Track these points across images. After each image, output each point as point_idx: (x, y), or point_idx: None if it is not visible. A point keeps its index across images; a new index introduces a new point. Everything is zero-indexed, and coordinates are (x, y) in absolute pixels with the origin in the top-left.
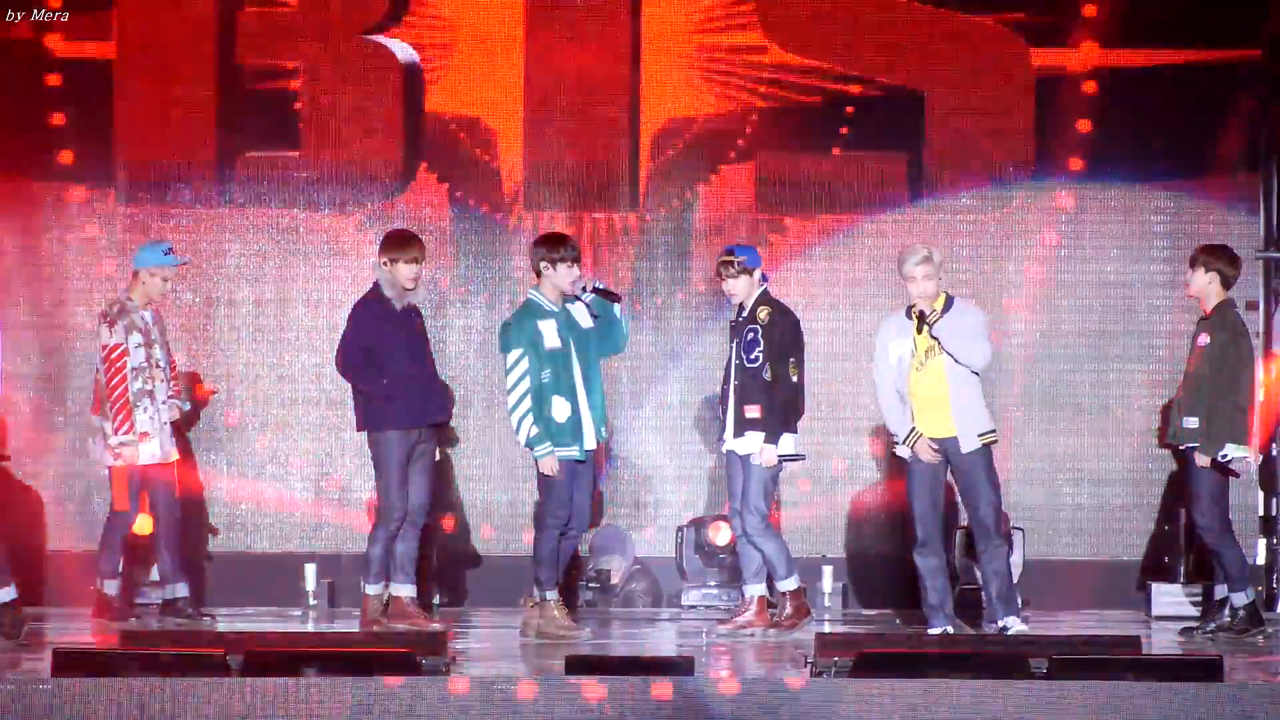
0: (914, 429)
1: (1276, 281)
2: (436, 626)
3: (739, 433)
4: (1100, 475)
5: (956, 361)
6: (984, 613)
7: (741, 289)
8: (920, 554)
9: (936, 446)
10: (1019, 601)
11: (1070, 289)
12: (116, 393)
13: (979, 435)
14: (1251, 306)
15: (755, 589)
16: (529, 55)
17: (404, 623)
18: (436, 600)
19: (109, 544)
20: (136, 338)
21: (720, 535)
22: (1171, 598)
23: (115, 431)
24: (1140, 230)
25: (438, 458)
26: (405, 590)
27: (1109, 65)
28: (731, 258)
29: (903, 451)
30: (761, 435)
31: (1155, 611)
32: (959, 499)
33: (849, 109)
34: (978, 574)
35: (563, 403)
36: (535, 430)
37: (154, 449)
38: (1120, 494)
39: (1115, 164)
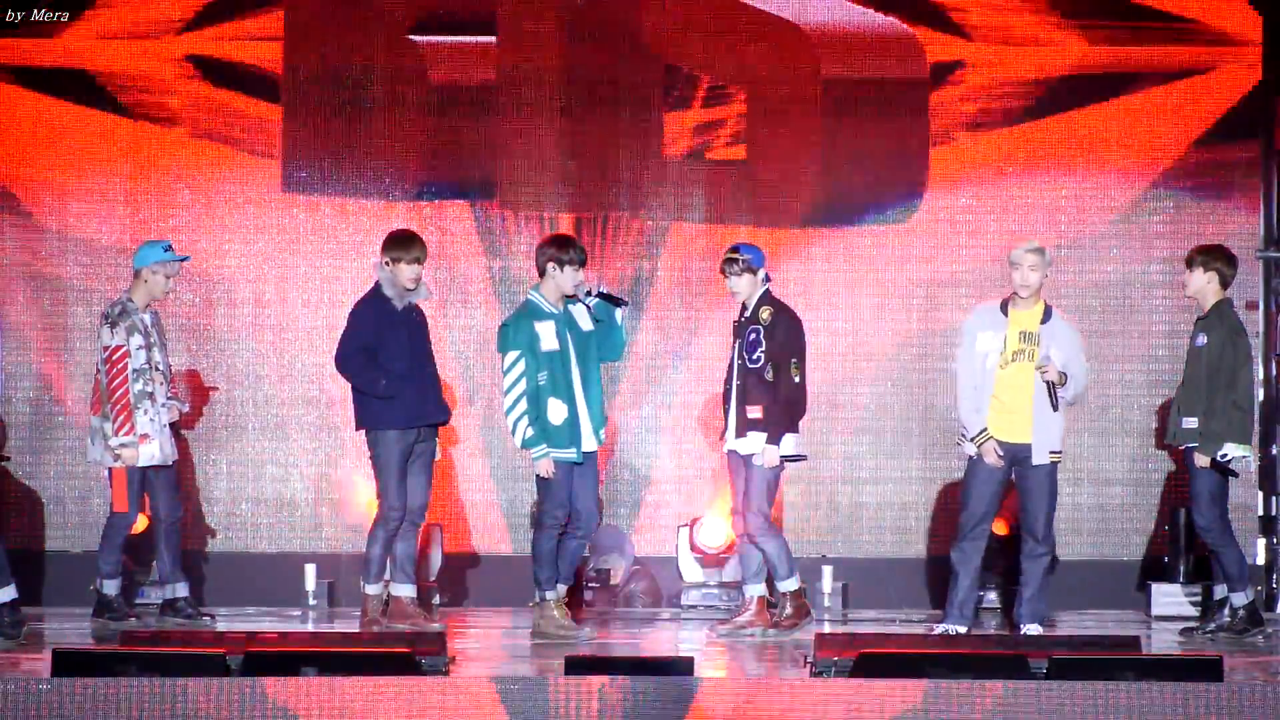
0: (985, 430)
1: (1276, 281)
2: (436, 626)
3: (741, 433)
4: (1100, 475)
5: (1067, 401)
6: (1014, 611)
7: (744, 287)
8: (958, 550)
9: (1002, 453)
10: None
11: (1070, 289)
12: (117, 394)
13: (1050, 453)
14: (1251, 306)
15: (755, 589)
16: (528, 57)
17: (404, 623)
18: (436, 600)
19: (109, 544)
20: (138, 339)
21: (710, 536)
22: (1171, 598)
23: (115, 433)
24: (1140, 230)
25: (439, 457)
26: (405, 590)
27: (1108, 64)
28: (736, 255)
29: (969, 449)
30: (764, 435)
31: (1155, 611)
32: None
33: (850, 107)
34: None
35: (559, 405)
36: (531, 432)
37: (154, 450)
38: (1120, 494)
39: (1115, 163)
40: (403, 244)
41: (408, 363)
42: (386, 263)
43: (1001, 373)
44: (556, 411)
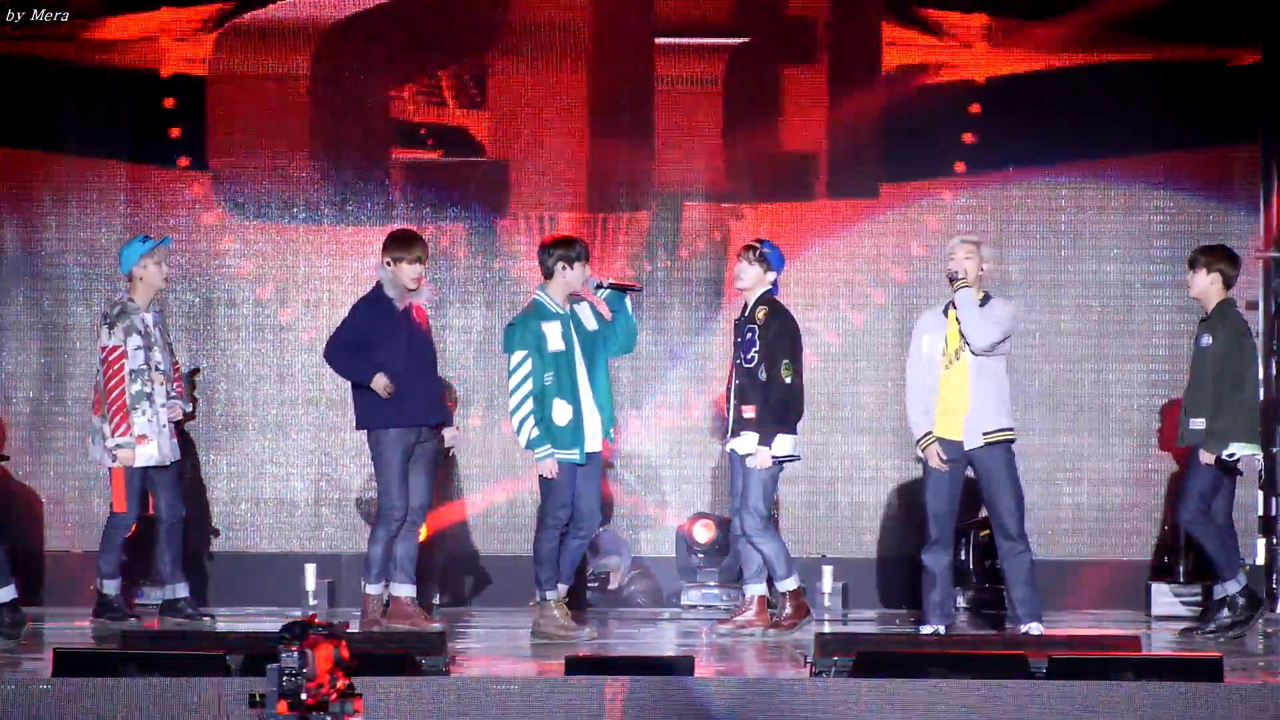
0: (928, 433)
1: (1276, 281)
2: (436, 626)
3: (737, 432)
4: (1100, 475)
5: (960, 333)
6: (1007, 615)
7: (750, 278)
8: (930, 552)
9: (945, 456)
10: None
11: (1070, 289)
12: (114, 395)
13: (984, 434)
14: (1251, 306)
15: (755, 589)
16: (529, 57)
17: (404, 623)
18: (436, 600)
19: (110, 545)
20: (136, 340)
21: (701, 533)
22: (1171, 598)
23: (112, 434)
24: (1140, 230)
25: (442, 457)
26: (405, 590)
27: (1110, 61)
28: (756, 245)
29: (919, 452)
30: (756, 436)
31: (1155, 611)
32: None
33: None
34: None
35: (564, 405)
36: (536, 432)
37: (152, 451)
38: (1120, 494)
39: (1115, 163)
40: (404, 244)
41: (408, 363)
42: (388, 263)
43: (946, 372)
44: (561, 412)
